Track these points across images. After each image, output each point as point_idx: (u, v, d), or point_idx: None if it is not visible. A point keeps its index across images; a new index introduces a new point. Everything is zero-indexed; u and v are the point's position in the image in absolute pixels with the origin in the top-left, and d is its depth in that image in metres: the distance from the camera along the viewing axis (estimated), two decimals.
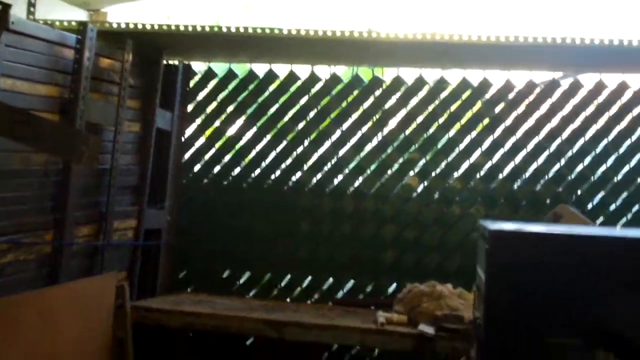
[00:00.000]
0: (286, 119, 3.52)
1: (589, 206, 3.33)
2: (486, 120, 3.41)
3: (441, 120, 3.43)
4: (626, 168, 3.33)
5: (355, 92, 3.49)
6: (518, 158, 3.39)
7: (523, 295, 1.35)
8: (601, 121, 3.35)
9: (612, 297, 1.41)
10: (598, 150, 3.35)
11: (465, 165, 3.43)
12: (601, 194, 3.34)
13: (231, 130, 3.56)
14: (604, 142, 3.35)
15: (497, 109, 3.41)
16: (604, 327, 1.34)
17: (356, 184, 3.48)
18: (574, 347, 1.39)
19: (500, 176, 3.41)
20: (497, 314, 1.37)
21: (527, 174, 3.39)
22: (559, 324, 1.37)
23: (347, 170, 3.49)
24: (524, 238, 1.43)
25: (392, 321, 2.84)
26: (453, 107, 3.43)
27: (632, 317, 1.35)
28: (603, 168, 3.35)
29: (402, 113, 3.45)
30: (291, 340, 2.82)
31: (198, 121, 3.59)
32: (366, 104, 3.48)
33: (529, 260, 1.36)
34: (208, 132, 3.58)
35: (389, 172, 3.46)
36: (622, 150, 3.34)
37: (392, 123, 3.47)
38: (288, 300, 3.45)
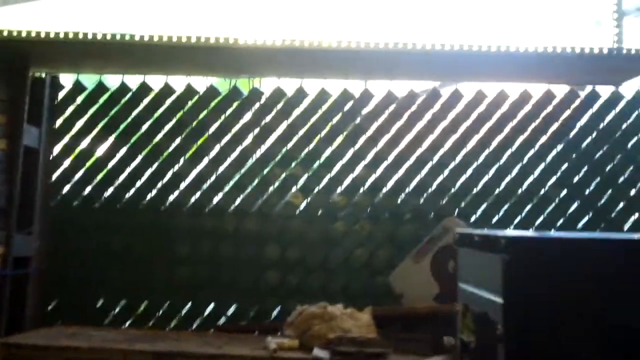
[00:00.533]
0: (161, 135, 3.33)
1: (473, 218, 3.30)
2: (369, 132, 3.33)
3: (323, 133, 3.33)
4: (507, 179, 3.33)
5: (235, 105, 3.34)
6: (401, 171, 3.33)
7: (547, 308, 1.18)
8: (482, 131, 3.33)
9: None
10: (480, 161, 3.33)
11: (348, 180, 3.34)
12: (484, 206, 3.32)
13: (102, 148, 3.34)
14: (486, 152, 3.33)
15: (379, 122, 3.33)
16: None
17: (237, 202, 3.33)
18: None
19: (384, 190, 3.34)
20: (520, 333, 1.20)
21: (411, 187, 3.33)
22: (588, 343, 1.22)
23: (227, 188, 3.33)
24: (549, 245, 1.25)
25: (283, 347, 2.70)
26: (335, 120, 3.33)
27: None
28: (485, 179, 3.33)
29: (283, 126, 3.33)
30: None
31: (67, 138, 3.34)
32: (245, 117, 3.33)
33: (556, 270, 1.19)
34: (77, 150, 3.34)
35: (271, 188, 3.33)
36: (502, 160, 3.33)
37: (273, 137, 3.34)
38: (167, 329, 3.26)
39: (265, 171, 3.34)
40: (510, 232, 1.74)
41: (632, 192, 3.32)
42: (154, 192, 3.33)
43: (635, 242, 1.37)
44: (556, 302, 1.18)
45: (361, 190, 3.33)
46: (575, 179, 3.32)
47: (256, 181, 3.34)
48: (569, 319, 1.17)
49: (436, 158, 3.34)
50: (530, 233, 1.49)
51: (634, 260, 1.24)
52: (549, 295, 1.19)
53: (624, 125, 3.33)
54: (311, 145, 3.34)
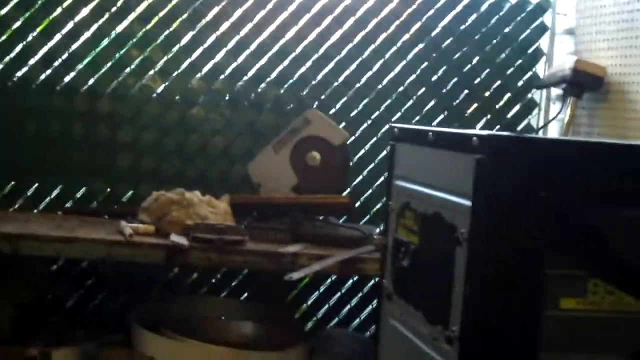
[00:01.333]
0: (9, 7, 3.11)
1: (332, 111, 3.30)
2: (233, 19, 3.24)
3: (185, 16, 3.21)
4: (368, 73, 3.34)
5: None
6: (263, 60, 3.27)
7: (520, 214, 1.14)
8: (346, 25, 3.31)
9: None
10: (342, 54, 3.32)
11: (208, 66, 3.25)
12: (344, 99, 3.33)
13: None
14: (349, 46, 3.32)
15: (244, 7, 3.24)
16: (606, 256, 1.20)
17: (90, 81, 3.18)
18: (573, 277, 1.25)
19: (245, 78, 3.27)
20: (490, 237, 1.15)
21: (272, 77, 3.28)
22: (559, 253, 1.21)
23: (80, 67, 3.17)
24: (525, 146, 1.20)
25: (139, 231, 2.64)
26: (197, 3, 3.21)
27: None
28: (347, 73, 3.33)
29: (143, 6, 3.18)
30: (25, 254, 2.53)
31: None
32: None
33: (526, 173, 1.15)
34: None
35: (127, 70, 3.20)
36: (364, 55, 3.33)
37: (131, 16, 3.18)
38: (11, 209, 3.13)
39: (122, 52, 3.19)
40: (480, 131, 1.69)
41: (487, 93, 3.40)
42: (0, 66, 3.12)
43: (610, 146, 1.36)
44: (526, 204, 1.16)
45: (221, 77, 3.25)
46: (434, 78, 3.37)
47: (111, 62, 3.19)
48: (537, 222, 1.16)
49: (299, 49, 3.29)
50: (509, 134, 1.43)
51: (606, 163, 1.22)
52: (518, 198, 1.17)
53: (484, 29, 3.38)
54: (172, 28, 3.21)
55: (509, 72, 3.41)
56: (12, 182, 3.15)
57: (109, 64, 3.19)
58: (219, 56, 3.25)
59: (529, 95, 3.42)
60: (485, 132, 1.22)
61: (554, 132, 3.18)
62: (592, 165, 1.20)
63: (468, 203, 1.20)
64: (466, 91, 3.39)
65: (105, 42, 3.19)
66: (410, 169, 1.45)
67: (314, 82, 3.30)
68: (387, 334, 1.55)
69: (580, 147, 1.29)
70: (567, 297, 1.25)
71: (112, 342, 2.76)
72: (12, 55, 3.12)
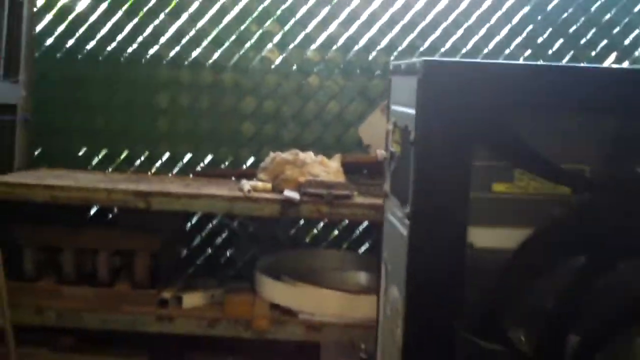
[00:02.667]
0: None
1: None
2: None
3: None
4: (475, 38, 3.48)
5: None
6: (374, 29, 3.47)
7: (455, 123, 1.44)
8: None
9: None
10: (449, 20, 3.47)
11: (322, 37, 3.48)
12: None
13: (84, 1, 3.44)
14: (455, 13, 3.47)
15: None
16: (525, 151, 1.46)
17: (215, 56, 3.47)
18: (499, 168, 1.55)
19: (356, 48, 3.48)
20: (429, 137, 1.46)
21: (382, 45, 3.48)
22: (488, 149, 1.50)
23: (205, 43, 3.46)
24: (456, 67, 1.53)
25: (257, 189, 2.91)
26: None
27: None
28: (454, 38, 3.48)
29: None
30: (157, 210, 2.84)
31: None
32: None
33: (461, 90, 1.45)
34: (60, 3, 3.44)
35: (248, 44, 3.47)
36: (471, 20, 3.47)
37: None
38: (149, 173, 3.46)
39: (242, 27, 3.46)
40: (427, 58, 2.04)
41: (593, 53, 3.48)
42: (135, 45, 3.46)
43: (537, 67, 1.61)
44: (458, 110, 1.46)
45: (334, 47, 3.47)
46: (540, 40, 3.47)
47: (233, 37, 3.47)
48: (467, 123, 1.46)
49: (407, 18, 3.47)
50: (444, 58, 1.75)
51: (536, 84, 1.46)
52: (453, 108, 1.47)
53: None
54: (287, 3, 3.45)
55: (615, 31, 3.48)
56: (148, 151, 3.47)
57: (231, 39, 3.47)
58: (331, 27, 3.47)
59: (636, 54, 3.48)
60: (425, 58, 1.48)
61: None
62: (507, 81, 1.50)
63: (414, 112, 1.51)
64: (572, 52, 3.47)
65: (227, 19, 3.46)
66: (396, 94, 1.72)
67: (421, 49, 3.47)
68: (386, 227, 1.87)
69: (496, 66, 1.64)
70: (498, 182, 1.56)
71: (237, 288, 3.04)
72: (145, 34, 3.45)
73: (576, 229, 1.51)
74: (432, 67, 1.49)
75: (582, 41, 3.48)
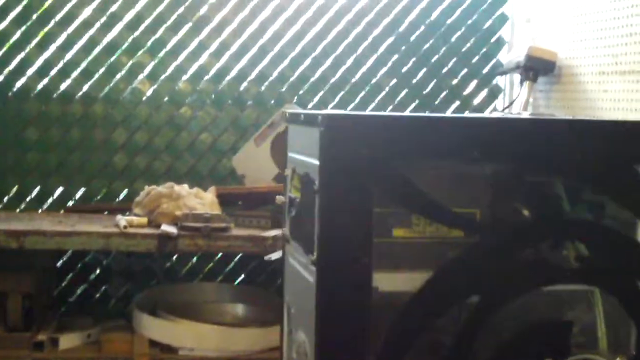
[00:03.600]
0: (7, 22, 3.36)
1: (310, 105, 3.55)
2: (214, 23, 3.48)
3: (169, 22, 3.45)
4: (342, 68, 3.58)
5: None
6: (244, 60, 3.52)
7: (356, 172, 1.52)
8: (320, 24, 3.54)
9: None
10: (317, 51, 3.55)
11: (194, 68, 3.50)
12: (321, 93, 3.57)
13: None
14: (323, 43, 3.56)
15: (225, 11, 3.48)
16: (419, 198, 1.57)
17: (85, 88, 3.43)
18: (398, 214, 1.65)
19: (228, 78, 3.52)
20: (332, 187, 1.54)
21: (253, 75, 3.53)
22: (388, 196, 1.58)
23: (74, 74, 3.42)
24: (352, 120, 1.61)
25: (133, 224, 2.90)
26: (181, 9, 3.45)
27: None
28: (322, 69, 3.57)
29: (130, 15, 3.43)
30: (30, 249, 2.78)
31: None
32: (92, 5, 3.40)
33: (358, 141, 1.54)
34: None
35: (119, 75, 3.45)
36: (338, 51, 3.57)
37: (120, 25, 3.43)
38: (17, 210, 3.38)
39: (112, 58, 3.44)
40: (328, 111, 2.12)
41: (454, 81, 3.64)
42: (1, 78, 3.38)
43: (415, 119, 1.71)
44: (357, 162, 1.53)
45: (205, 77, 3.50)
46: (404, 69, 3.60)
47: (103, 68, 3.44)
48: (366, 174, 1.54)
49: (277, 48, 3.53)
50: (342, 111, 1.82)
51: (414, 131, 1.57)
52: (353, 158, 1.54)
53: (449, 21, 3.61)
54: (158, 34, 3.45)
55: (474, 60, 3.64)
56: (17, 185, 3.39)
57: (101, 71, 3.43)
58: (202, 58, 3.50)
59: (494, 82, 3.66)
60: (326, 112, 1.57)
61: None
62: (401, 132, 1.60)
63: (318, 163, 1.58)
64: (435, 80, 3.62)
65: (96, 50, 3.43)
66: (295, 142, 1.80)
67: (292, 79, 3.54)
68: (288, 270, 1.93)
69: (390, 119, 1.73)
70: (397, 228, 1.67)
71: (114, 326, 3.01)
72: (11, 67, 3.38)
73: (468, 270, 1.59)
74: (333, 121, 1.56)
75: (444, 70, 3.63)
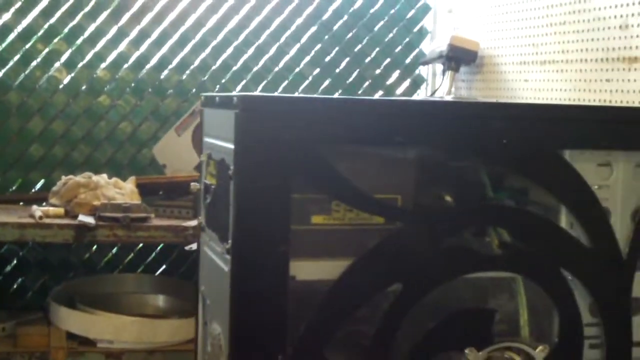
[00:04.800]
0: None
1: (232, 93, 3.49)
2: (134, 9, 3.40)
3: (87, 8, 3.36)
4: (265, 57, 3.54)
5: None
6: (165, 48, 3.45)
7: (273, 157, 1.47)
8: (243, 11, 3.50)
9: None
10: (239, 40, 3.51)
11: (112, 56, 3.42)
12: (243, 82, 3.53)
13: None
14: (245, 32, 3.52)
15: None
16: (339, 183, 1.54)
17: None
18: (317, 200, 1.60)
19: (148, 66, 3.45)
20: (245, 171, 1.49)
21: (174, 64, 3.46)
22: (306, 182, 1.53)
23: None
24: (269, 101, 1.56)
25: (49, 214, 2.82)
26: None
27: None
28: (245, 57, 3.53)
29: (46, 1, 3.33)
30: None
31: None
32: None
33: (274, 123, 1.48)
34: None
35: (34, 63, 3.35)
36: (261, 40, 3.53)
37: (35, 11, 3.33)
38: None
39: (28, 45, 3.34)
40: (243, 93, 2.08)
41: (377, 71, 3.64)
42: None
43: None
44: (273, 146, 1.48)
45: (125, 66, 3.42)
46: (327, 59, 3.59)
47: (18, 55, 3.33)
48: (283, 159, 1.49)
49: (199, 36, 3.47)
50: (260, 94, 1.78)
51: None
52: (270, 142, 1.48)
53: (372, 10, 3.61)
54: (75, 21, 3.36)
55: (397, 50, 3.65)
56: None
57: (16, 58, 3.33)
58: (122, 46, 3.42)
59: (417, 72, 3.67)
60: (242, 94, 1.52)
61: None
62: (321, 115, 1.54)
63: (233, 147, 1.52)
64: (358, 70, 3.62)
65: (11, 37, 3.32)
66: (210, 127, 1.75)
67: (214, 67, 3.49)
68: (203, 260, 1.87)
69: (311, 101, 1.67)
70: (316, 214, 1.61)
71: (30, 319, 2.93)
72: None
73: (389, 257, 1.55)
74: (250, 102, 1.50)
75: (367, 60, 3.62)
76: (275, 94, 1.94)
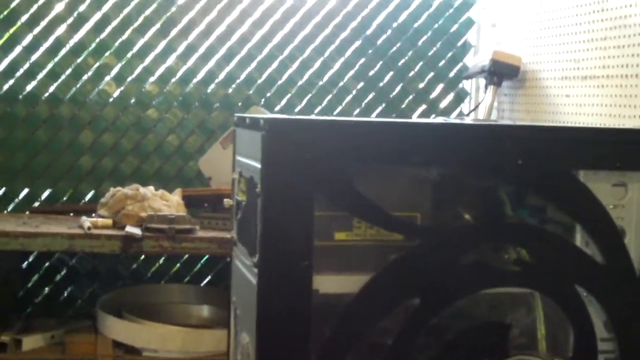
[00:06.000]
0: None
1: (277, 107, 3.56)
2: (180, 25, 3.48)
3: (136, 24, 3.45)
4: (310, 71, 3.59)
5: None
6: (211, 62, 3.52)
7: (298, 176, 1.55)
8: (287, 27, 3.56)
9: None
10: (285, 54, 3.57)
11: (161, 70, 3.50)
12: (288, 96, 3.58)
13: None
14: (290, 46, 3.57)
15: (192, 13, 3.49)
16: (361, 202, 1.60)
17: (51, 89, 3.42)
18: (340, 217, 1.65)
19: (195, 80, 3.52)
20: (272, 190, 1.57)
21: (220, 78, 3.53)
22: (329, 200, 1.59)
23: (40, 76, 3.41)
24: (295, 125, 1.63)
25: (97, 225, 2.89)
26: (148, 11, 3.45)
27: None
28: (289, 72, 3.58)
29: (97, 16, 3.42)
30: None
31: None
32: (58, 7, 3.39)
33: (300, 145, 1.56)
34: None
35: (85, 77, 3.44)
36: (305, 54, 3.58)
37: (87, 27, 3.43)
38: None
39: (79, 60, 3.43)
40: (273, 115, 2.16)
41: (421, 85, 3.67)
42: None
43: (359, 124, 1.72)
44: (298, 166, 1.55)
45: (173, 80, 3.50)
46: (371, 73, 3.63)
47: (69, 69, 3.43)
48: (308, 178, 1.56)
49: (244, 51, 3.54)
50: (285, 116, 1.84)
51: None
52: (294, 162, 1.55)
53: (415, 25, 3.64)
54: (125, 36, 3.45)
55: (440, 64, 3.68)
56: None
57: (67, 72, 3.43)
58: (170, 60, 3.50)
59: (460, 86, 3.70)
60: (268, 116, 1.59)
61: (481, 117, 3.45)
62: (343, 136, 1.61)
63: (259, 166, 1.60)
64: (401, 84, 3.65)
65: (63, 51, 3.42)
66: (242, 146, 1.81)
67: (259, 82, 3.55)
68: (234, 272, 1.94)
69: (333, 123, 1.71)
70: (339, 231, 1.67)
71: (78, 328, 3.01)
72: None
73: (408, 272, 1.60)
74: (275, 125, 1.57)
75: (411, 74, 3.66)
76: (301, 116, 1.99)
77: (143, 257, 3.47)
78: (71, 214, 3.27)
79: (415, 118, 3.66)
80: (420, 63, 3.66)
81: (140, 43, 3.48)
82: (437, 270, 1.62)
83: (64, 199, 3.44)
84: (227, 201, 1.99)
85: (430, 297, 1.62)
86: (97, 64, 3.45)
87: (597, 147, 1.70)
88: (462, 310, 1.66)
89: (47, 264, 3.44)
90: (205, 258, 3.51)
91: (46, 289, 3.46)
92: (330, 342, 1.59)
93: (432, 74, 3.68)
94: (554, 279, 1.69)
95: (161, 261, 3.52)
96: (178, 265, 3.53)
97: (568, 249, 1.70)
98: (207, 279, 3.54)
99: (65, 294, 3.48)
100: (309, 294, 1.58)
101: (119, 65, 3.46)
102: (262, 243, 1.58)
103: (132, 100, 3.48)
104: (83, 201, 3.45)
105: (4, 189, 3.40)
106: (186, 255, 3.46)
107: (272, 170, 1.56)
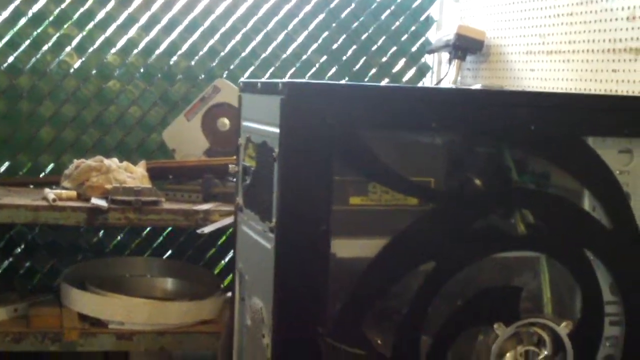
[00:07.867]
0: None
1: (241, 80, 3.52)
2: None
3: None
4: (273, 44, 3.58)
5: None
6: (174, 34, 3.49)
7: (316, 140, 1.57)
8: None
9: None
10: (248, 26, 3.55)
11: (122, 41, 3.45)
12: (251, 68, 3.57)
13: None
14: (254, 19, 3.55)
15: None
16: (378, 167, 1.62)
17: (10, 59, 3.35)
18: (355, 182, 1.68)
19: (157, 52, 3.48)
20: (290, 153, 1.59)
21: (183, 50, 3.50)
22: (346, 165, 1.62)
23: None
24: (314, 88, 1.64)
25: (62, 197, 2.86)
26: None
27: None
28: (253, 44, 3.56)
29: None
30: None
31: None
32: None
33: (318, 110, 1.57)
34: None
35: (45, 47, 3.38)
36: (269, 27, 3.57)
37: None
38: None
39: (39, 30, 3.37)
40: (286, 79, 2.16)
41: (384, 59, 3.68)
42: None
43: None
44: (317, 130, 1.57)
45: (135, 51, 3.46)
46: (334, 46, 3.63)
47: (29, 40, 3.37)
48: (326, 143, 1.58)
49: (207, 23, 3.51)
50: (302, 81, 1.84)
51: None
52: (313, 127, 1.57)
53: None
54: (86, 6, 3.39)
55: (403, 38, 3.69)
56: None
57: (27, 42, 3.36)
58: (132, 32, 3.45)
59: (423, 60, 3.72)
60: (289, 80, 1.60)
61: None
62: (362, 101, 1.63)
63: (278, 131, 1.60)
64: (364, 57, 3.66)
65: (22, 20, 3.36)
66: (250, 111, 1.81)
67: (222, 54, 3.53)
68: (240, 238, 1.95)
69: (352, 88, 1.73)
70: (354, 196, 1.70)
71: (41, 301, 2.97)
72: None
73: (423, 237, 1.64)
74: (294, 89, 1.57)
75: (374, 48, 3.66)
76: (317, 81, 1.99)
77: (105, 230, 3.44)
78: (31, 186, 3.22)
79: None
80: (384, 37, 3.68)
81: (102, 14, 3.42)
82: (452, 234, 1.66)
83: (23, 171, 3.39)
84: (232, 167, 1.99)
85: (445, 261, 1.65)
86: (57, 34, 3.39)
87: (607, 115, 1.75)
88: (468, 276, 1.69)
89: (6, 237, 3.39)
90: (167, 230, 3.49)
91: (5, 262, 3.41)
92: (347, 305, 1.61)
93: (394, 48, 3.69)
94: (563, 243, 1.73)
95: (123, 234, 3.49)
96: (140, 238, 3.50)
97: (576, 213, 1.74)
98: (169, 252, 3.52)
99: (25, 268, 3.43)
100: (326, 257, 1.59)
101: (80, 36, 3.41)
102: (279, 208, 1.59)
103: (94, 72, 3.43)
104: (43, 173, 3.40)
105: None
106: (148, 228, 3.44)
107: (291, 134, 1.56)
